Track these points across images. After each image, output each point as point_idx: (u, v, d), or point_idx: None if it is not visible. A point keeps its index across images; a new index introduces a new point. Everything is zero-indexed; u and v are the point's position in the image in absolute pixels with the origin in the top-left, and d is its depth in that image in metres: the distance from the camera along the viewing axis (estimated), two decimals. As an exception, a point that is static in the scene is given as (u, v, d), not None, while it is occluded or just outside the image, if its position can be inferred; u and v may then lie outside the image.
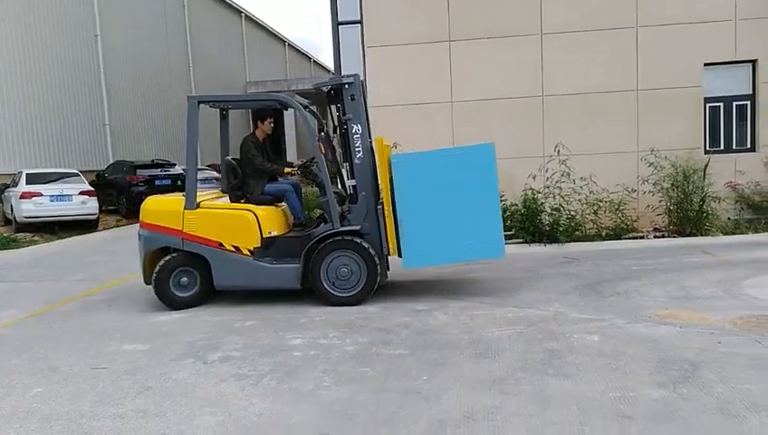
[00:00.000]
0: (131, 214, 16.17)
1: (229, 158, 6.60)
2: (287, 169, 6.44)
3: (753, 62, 10.21)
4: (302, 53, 41.07)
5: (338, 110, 6.10)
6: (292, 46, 38.58)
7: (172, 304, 5.98)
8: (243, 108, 7.32)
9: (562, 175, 8.99)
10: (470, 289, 6.27)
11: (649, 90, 10.16)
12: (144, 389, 3.92)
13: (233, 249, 5.89)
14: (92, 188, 14.38)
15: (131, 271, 8.43)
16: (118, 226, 15.28)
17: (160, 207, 6.16)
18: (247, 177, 6.28)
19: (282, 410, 3.51)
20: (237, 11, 30.51)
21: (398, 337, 4.77)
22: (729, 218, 9.53)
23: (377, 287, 5.81)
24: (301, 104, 6.43)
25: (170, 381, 4.03)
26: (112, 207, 16.88)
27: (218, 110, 6.77)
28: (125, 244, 11.66)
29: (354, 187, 5.91)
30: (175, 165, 17.88)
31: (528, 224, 8.92)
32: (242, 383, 3.93)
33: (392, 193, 5.73)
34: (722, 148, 10.37)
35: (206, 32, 26.82)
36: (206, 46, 26.68)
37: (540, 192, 9.08)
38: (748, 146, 10.37)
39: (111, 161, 19.21)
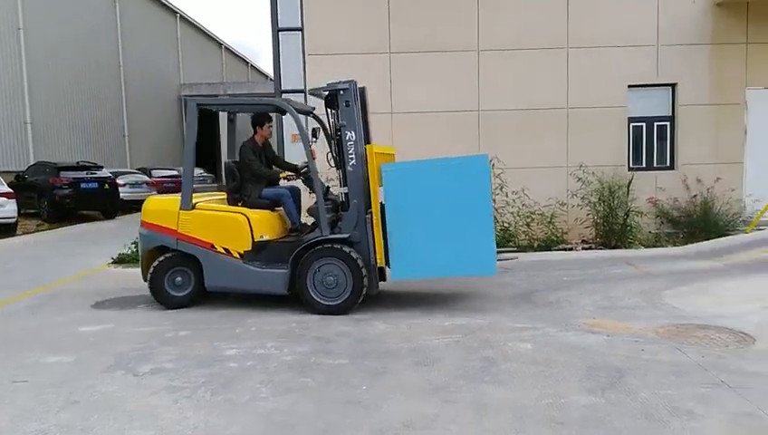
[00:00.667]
0: (54, 218, 15.35)
1: (229, 161, 6.60)
2: (282, 175, 6.43)
3: (673, 85, 10.91)
4: (240, 57, 40.38)
5: (332, 116, 6.06)
6: (229, 50, 37.86)
7: (167, 303, 6.06)
8: (240, 111, 7.16)
9: (497, 188, 9.25)
10: (408, 298, 6.32)
11: (579, 108, 10.65)
12: (69, 403, 3.72)
13: (223, 251, 5.91)
14: (11, 190, 13.53)
15: (56, 277, 8.00)
16: (39, 230, 14.42)
17: (158, 207, 6.28)
18: (246, 180, 6.31)
19: (217, 422, 3.41)
20: (172, 11, 29.67)
21: (338, 346, 4.75)
22: (650, 232, 10.09)
23: (363, 297, 5.71)
24: (304, 110, 6.43)
25: (98, 395, 3.84)
26: (33, 211, 15.93)
27: (226, 113, 6.95)
28: (48, 249, 11.06)
29: (346, 194, 5.84)
30: (102, 167, 17.12)
31: (464, 235, 9.10)
32: (175, 396, 3.80)
33: (383, 202, 5.69)
34: (644, 165, 10.99)
35: (138, 31, 25.90)
36: (138, 46, 25.75)
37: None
38: (668, 164, 11.04)
39: (33, 162, 18.15)
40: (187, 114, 6.19)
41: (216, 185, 23.40)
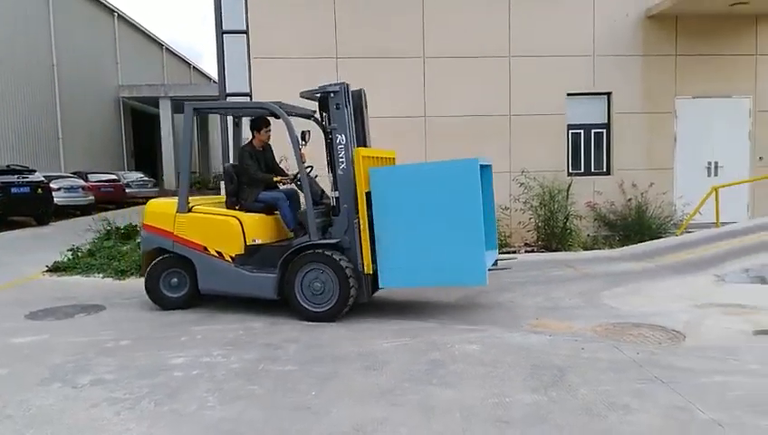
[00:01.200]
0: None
1: (228, 164, 6.51)
2: (276, 179, 6.37)
3: (609, 94, 11.39)
4: (182, 59, 39.38)
5: (324, 119, 5.95)
6: (170, 51, 36.85)
7: (161, 303, 6.18)
8: (234, 115, 7.03)
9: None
10: (357, 303, 6.32)
11: (521, 115, 10.97)
12: (3, 417, 3.54)
13: (216, 254, 5.93)
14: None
15: (-18, 288, 7.57)
16: (-37, 237, 13.59)
17: (158, 210, 6.33)
18: (243, 184, 6.30)
19: (162, 433, 3.33)
20: (110, 10, 28.62)
21: (286, 353, 4.72)
22: (588, 235, 10.50)
23: (351, 305, 5.61)
24: (304, 114, 6.36)
25: (34, 409, 3.67)
26: (-44, 217, 14.99)
27: (231, 117, 6.90)
28: (-27, 258, 10.44)
29: (337, 198, 5.73)
30: (35, 171, 16.31)
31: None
32: (116, 408, 3.68)
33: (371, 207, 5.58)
34: (582, 171, 11.42)
35: (73, 30, 24.83)
36: (73, 45, 24.68)
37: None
38: (605, 170, 11.51)
39: (-43, 166, 17.09)
40: (185, 118, 6.17)
41: (156, 189, 22.76)
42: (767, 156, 11.56)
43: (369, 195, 5.59)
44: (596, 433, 3.18)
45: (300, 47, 10.81)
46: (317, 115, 6.26)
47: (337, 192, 5.73)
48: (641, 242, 9.56)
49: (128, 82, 28.61)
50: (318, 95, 5.88)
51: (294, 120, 6.09)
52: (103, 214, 14.08)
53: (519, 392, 3.78)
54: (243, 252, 5.90)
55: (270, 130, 6.55)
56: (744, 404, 3.48)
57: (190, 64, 40.76)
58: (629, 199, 10.85)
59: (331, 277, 5.54)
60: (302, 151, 5.96)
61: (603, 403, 3.56)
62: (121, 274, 8.06)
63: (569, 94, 11.15)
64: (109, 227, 10.02)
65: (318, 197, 6.12)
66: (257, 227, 6.04)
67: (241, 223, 5.94)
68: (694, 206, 10.04)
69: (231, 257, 5.87)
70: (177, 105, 28.01)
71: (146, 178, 22.28)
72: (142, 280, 7.79)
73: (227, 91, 11.27)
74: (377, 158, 6.02)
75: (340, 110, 5.69)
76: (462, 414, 3.47)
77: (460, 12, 11.02)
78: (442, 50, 10.96)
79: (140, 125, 30.55)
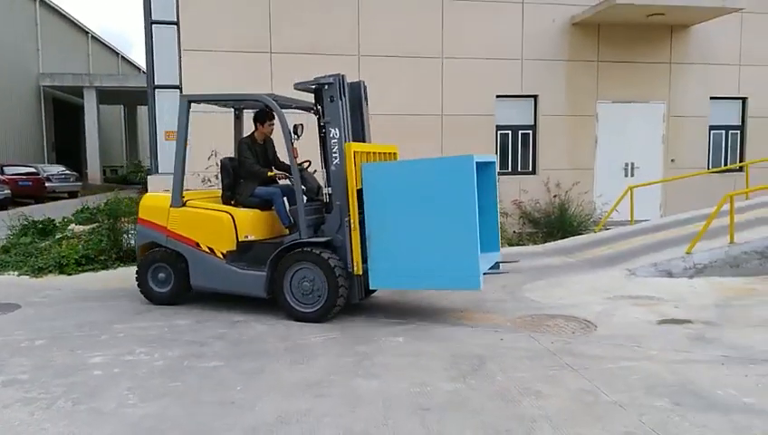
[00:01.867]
0: None
1: (225, 158, 6.27)
2: (271, 173, 6.12)
3: (535, 96, 11.86)
4: (110, 48, 37.75)
5: (317, 112, 5.63)
6: (97, 39, 35.25)
7: (151, 298, 6.12)
8: (233, 107, 6.66)
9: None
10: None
11: (452, 115, 11.26)
12: None
13: (208, 250, 5.80)
14: None
15: None
16: None
17: (152, 204, 6.24)
18: (241, 178, 6.11)
19: (80, 432, 3.26)
20: (30, -6, 27.10)
21: (212, 349, 4.69)
22: (514, 232, 10.91)
23: (341, 306, 5.40)
24: (304, 106, 6.10)
25: (-62, 412, 3.50)
26: None
27: (233, 110, 6.73)
28: None
29: (330, 195, 5.49)
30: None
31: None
32: (30, 408, 3.56)
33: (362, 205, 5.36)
34: (510, 170, 11.85)
35: (-12, 13, 23.37)
36: (-12, 29, 23.23)
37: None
38: (530, 169, 11.99)
39: None
40: (179, 110, 5.97)
41: (80, 183, 21.77)
42: (679, 158, 12.38)
43: (361, 192, 5.39)
44: (509, 417, 3.37)
45: (233, 40, 10.65)
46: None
47: (330, 188, 5.50)
48: (563, 238, 10.02)
49: (50, 70, 27.18)
50: (313, 87, 5.61)
51: (290, 115, 5.85)
52: (20, 209, 13.36)
53: (440, 381, 3.93)
54: (234, 248, 5.72)
55: (273, 124, 6.25)
56: (643, 387, 3.77)
57: (118, 54, 39.13)
58: (555, 196, 11.36)
59: (320, 277, 5.31)
60: (294, 146, 5.67)
61: (518, 389, 3.76)
62: (38, 271, 7.71)
63: (498, 96, 11.54)
64: (26, 223, 9.53)
65: (314, 193, 5.87)
66: (250, 223, 5.85)
67: (233, 218, 5.75)
68: (612, 204, 10.63)
69: (222, 254, 5.71)
70: (103, 96, 26.86)
71: (68, 172, 21.25)
72: (62, 277, 7.57)
73: (156, 84, 10.98)
74: (375, 153, 5.79)
75: (334, 102, 5.46)
76: (385, 403, 3.58)
77: (395, 11, 11.17)
78: (377, 48, 11.08)
79: (63, 116, 29.09)
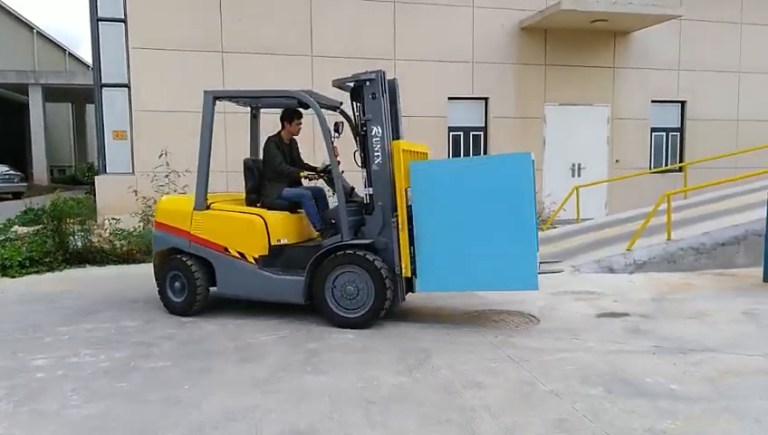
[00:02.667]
0: None
1: (248, 158, 6.04)
2: (302, 174, 5.86)
3: (486, 99, 12.15)
4: (56, 44, 36.46)
5: (358, 110, 5.43)
6: (42, 35, 34.01)
7: (170, 308, 5.71)
8: (261, 105, 6.42)
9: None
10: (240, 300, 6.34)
11: (405, 116, 11.33)
12: None
13: (238, 255, 5.47)
14: None
15: None
16: None
17: (172, 207, 5.89)
18: (267, 179, 5.83)
19: (21, 433, 3.21)
20: (-31, -14, 25.97)
21: (160, 349, 4.66)
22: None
23: (387, 310, 5.20)
24: (330, 104, 5.82)
25: None
26: None
27: (249, 108, 6.38)
28: None
29: (371, 196, 5.27)
30: None
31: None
32: (-31, 412, 3.49)
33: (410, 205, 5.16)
34: (462, 170, 12.09)
35: (-76, 5, 22.25)
36: (-77, 22, 22.13)
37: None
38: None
39: None
40: (203, 106, 5.61)
41: (25, 184, 21.01)
42: (622, 159, 12.88)
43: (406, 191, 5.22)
44: (451, 408, 3.50)
45: (183, 38, 10.54)
46: (342, 107, 5.96)
47: (371, 189, 5.26)
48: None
49: (-9, 66, 26.07)
50: (351, 84, 5.41)
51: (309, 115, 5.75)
52: (-41, 210, 12.83)
53: (387, 375, 4.03)
54: (267, 253, 5.43)
55: (301, 123, 6.01)
56: (578, 376, 3.97)
57: (66, 50, 37.85)
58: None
59: (366, 280, 5.10)
60: (335, 145, 5.41)
61: (461, 382, 3.90)
62: (-24, 274, 7.46)
63: (450, 98, 11.78)
64: (-36, 225, 9.19)
65: (348, 194, 5.66)
66: (282, 227, 5.58)
67: (265, 222, 5.45)
68: (559, 203, 10.98)
69: (254, 259, 5.40)
70: (50, 93, 25.99)
71: (12, 173, 20.44)
72: (5, 280, 7.34)
73: (103, 82, 10.75)
74: (413, 151, 5.53)
75: (376, 99, 5.19)
76: (331, 398, 3.66)
77: (348, 13, 11.27)
78: (329, 50, 11.15)
79: (7, 115, 27.96)
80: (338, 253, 5.19)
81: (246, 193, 5.97)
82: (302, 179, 5.96)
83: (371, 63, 11.31)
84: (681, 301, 6.12)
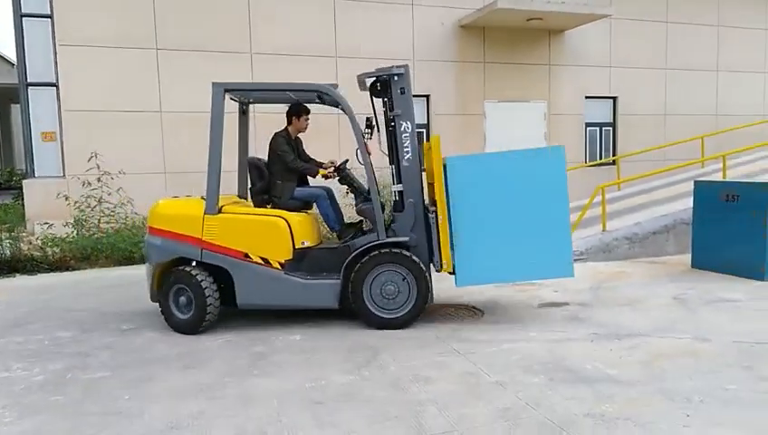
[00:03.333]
0: None
1: (254, 157, 5.64)
2: (322, 171, 5.52)
3: (427, 96, 12.28)
4: (-25, 41, 34.37)
5: (384, 105, 5.24)
6: (-41, 31, 31.95)
7: (175, 327, 5.11)
8: (276, 100, 6.04)
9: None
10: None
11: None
12: None
13: (261, 261, 5.04)
14: None
15: None
16: None
17: (176, 211, 5.23)
18: (276, 178, 5.48)
19: (-55, 457, 3.03)
20: None
21: (98, 360, 4.48)
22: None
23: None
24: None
25: None
26: None
27: (237, 103, 5.80)
28: None
29: (400, 192, 5.13)
30: None
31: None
32: None
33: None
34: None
35: None
36: None
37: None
38: (425, 167, 12.37)
39: None
40: (213, 100, 5.10)
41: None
42: (559, 154, 13.30)
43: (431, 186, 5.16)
44: (398, 403, 3.53)
45: (115, 35, 10.15)
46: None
47: (400, 185, 5.13)
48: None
49: None
50: (371, 79, 5.23)
51: (316, 108, 5.60)
52: None
53: (334, 374, 4.02)
54: (291, 257, 5.11)
55: (309, 119, 5.73)
56: (521, 366, 4.08)
57: (-14, 48, 35.72)
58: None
59: (407, 279, 5.00)
60: (366, 142, 5.22)
61: (408, 377, 3.94)
62: None
63: (392, 95, 11.81)
64: None
65: (365, 192, 5.49)
66: (305, 228, 5.28)
67: (289, 224, 5.12)
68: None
69: (280, 264, 5.08)
70: (-31, 93, 24.44)
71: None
72: None
73: (28, 81, 10.24)
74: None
75: (405, 94, 5.08)
76: (279, 400, 3.62)
77: (288, 9, 11.14)
78: (269, 47, 11.00)
79: None
80: (375, 252, 5.02)
81: (254, 193, 5.61)
82: (329, 176, 5.59)
83: (312, 61, 11.28)
84: (616, 289, 6.39)
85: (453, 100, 12.43)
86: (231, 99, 5.62)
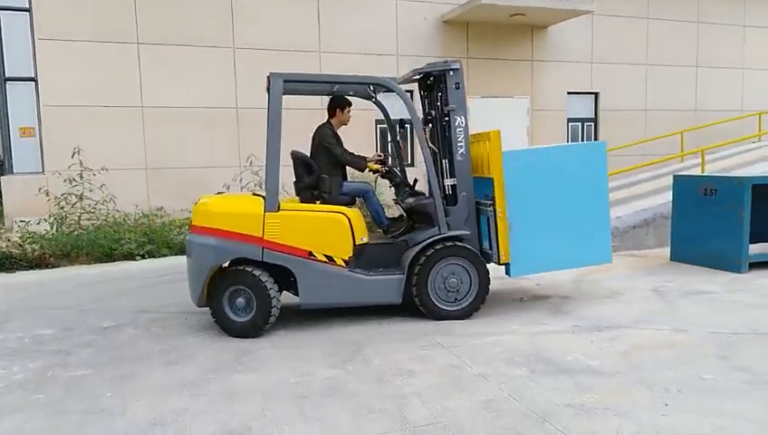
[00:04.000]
0: None
1: (298, 150, 5.45)
2: (373, 166, 5.44)
3: (411, 92, 12.25)
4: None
5: (438, 99, 5.33)
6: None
7: (232, 330, 4.86)
8: (331, 92, 5.66)
9: (256, 185, 9.44)
10: (163, 299, 6.14)
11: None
12: None
13: (325, 259, 4.92)
14: None
15: None
16: None
17: (232, 209, 4.94)
18: (322, 172, 5.33)
19: (-77, 457, 2.99)
20: None
21: (79, 357, 4.44)
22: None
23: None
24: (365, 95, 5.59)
25: None
26: None
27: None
28: None
29: (453, 186, 5.21)
30: None
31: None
32: None
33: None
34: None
35: None
36: None
37: (235, 201, 9.38)
38: (409, 162, 12.40)
39: None
40: (271, 92, 4.92)
41: None
42: (542, 149, 13.41)
43: (482, 179, 5.27)
44: (383, 397, 3.55)
45: (95, 29, 10.02)
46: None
47: (453, 179, 5.22)
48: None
49: None
50: (419, 74, 5.36)
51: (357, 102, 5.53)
52: None
53: (319, 369, 4.03)
54: (352, 254, 5.05)
55: (350, 112, 5.62)
56: (504, 358, 4.13)
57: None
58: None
59: (468, 271, 5.13)
60: (427, 136, 5.33)
61: (392, 370, 3.96)
62: None
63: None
64: None
65: (411, 186, 5.58)
66: (360, 224, 5.19)
67: (349, 220, 5.03)
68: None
69: (344, 261, 5.01)
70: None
71: None
72: None
73: (6, 76, 10.07)
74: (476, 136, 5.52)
75: (459, 89, 5.17)
76: (264, 395, 3.62)
77: (270, 3, 11.08)
78: (252, 41, 10.94)
79: None
80: (439, 246, 5.09)
81: (301, 189, 5.46)
82: (382, 170, 5.59)
83: (296, 56, 11.24)
84: (598, 281, 6.47)
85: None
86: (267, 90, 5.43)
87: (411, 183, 5.80)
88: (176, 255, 8.76)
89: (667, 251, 7.67)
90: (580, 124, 14.18)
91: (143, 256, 8.60)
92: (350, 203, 5.46)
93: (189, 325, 5.20)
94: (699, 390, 3.53)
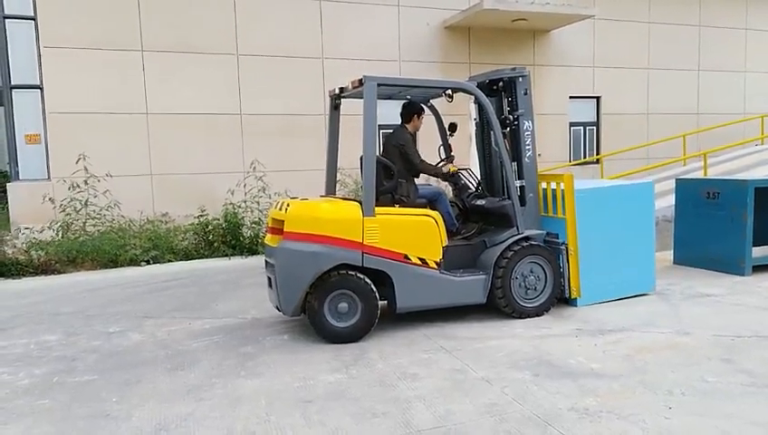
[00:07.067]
0: None
1: (380, 155, 5.38)
2: (452, 168, 5.63)
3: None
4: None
5: (509, 104, 5.56)
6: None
7: (331, 336, 4.77)
8: (421, 97, 5.87)
9: (260, 190, 9.48)
10: (167, 305, 6.18)
11: (335, 115, 11.40)
12: None
13: (419, 262, 5.00)
14: None
15: None
16: None
17: (331, 215, 4.86)
18: (399, 176, 5.35)
19: (-69, 462, 3.02)
20: None
21: (85, 363, 4.47)
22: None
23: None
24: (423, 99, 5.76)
25: None
26: None
27: (330, 99, 5.70)
28: None
29: (522, 187, 5.41)
30: None
31: (229, 237, 9.15)
32: None
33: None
34: (393, 167, 12.24)
35: None
36: None
37: (240, 206, 9.41)
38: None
39: None
40: (366, 96, 4.88)
41: None
42: (544, 153, 13.39)
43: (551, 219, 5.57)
44: (387, 400, 3.56)
45: (99, 37, 10.11)
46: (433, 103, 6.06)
47: (522, 181, 5.43)
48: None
49: None
50: (489, 78, 5.57)
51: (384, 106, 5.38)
52: None
53: (322, 373, 4.05)
54: (441, 256, 5.12)
55: (422, 119, 5.77)
56: (507, 362, 4.14)
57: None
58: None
59: (544, 269, 5.35)
60: (505, 139, 5.46)
61: (396, 374, 3.98)
62: None
63: (379, 96, 11.85)
64: None
65: (472, 189, 5.85)
66: (443, 227, 5.24)
67: (437, 223, 5.11)
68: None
69: (435, 263, 5.06)
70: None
71: None
72: None
73: (12, 84, 10.16)
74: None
75: (527, 95, 5.44)
76: (267, 400, 3.64)
77: (274, 11, 11.15)
78: (256, 48, 11.01)
79: None
80: (518, 247, 5.28)
81: (380, 193, 5.29)
82: (459, 176, 5.84)
83: (299, 62, 11.30)
84: (601, 286, 6.46)
85: (439, 100, 12.47)
86: (330, 94, 5.67)
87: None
88: (180, 260, 8.80)
89: (669, 254, 7.66)
90: (582, 128, 14.20)
91: (148, 262, 8.64)
92: (424, 206, 5.45)
93: (194, 331, 5.22)
94: (702, 392, 3.54)
